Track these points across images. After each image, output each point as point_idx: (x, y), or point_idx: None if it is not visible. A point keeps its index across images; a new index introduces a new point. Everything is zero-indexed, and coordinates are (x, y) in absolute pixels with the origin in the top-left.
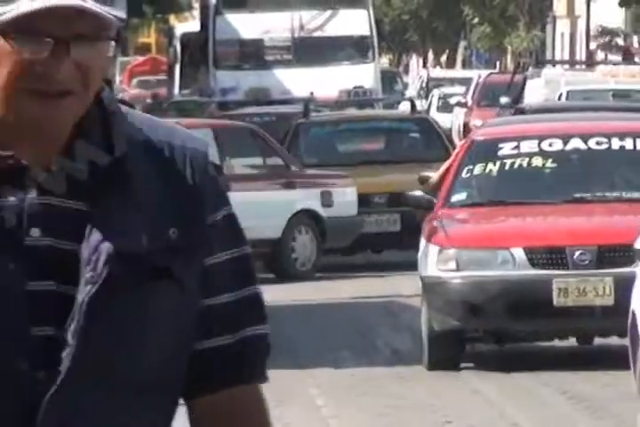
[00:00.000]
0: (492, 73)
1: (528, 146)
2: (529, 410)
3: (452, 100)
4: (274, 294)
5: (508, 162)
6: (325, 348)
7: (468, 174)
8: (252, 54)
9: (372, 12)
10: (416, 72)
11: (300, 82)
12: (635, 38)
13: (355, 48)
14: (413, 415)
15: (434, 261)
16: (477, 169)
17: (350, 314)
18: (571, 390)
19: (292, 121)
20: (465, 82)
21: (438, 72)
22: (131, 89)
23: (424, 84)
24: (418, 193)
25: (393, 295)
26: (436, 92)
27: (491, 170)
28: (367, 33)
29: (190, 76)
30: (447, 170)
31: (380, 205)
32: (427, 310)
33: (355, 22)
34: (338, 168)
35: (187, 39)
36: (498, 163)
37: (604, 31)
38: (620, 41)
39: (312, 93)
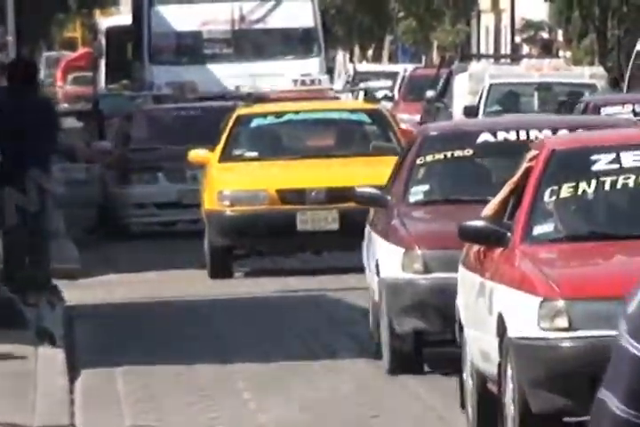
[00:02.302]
0: (417, 67)
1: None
2: (457, 406)
3: (379, 94)
4: (201, 290)
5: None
6: (252, 342)
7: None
8: (190, 48)
9: (316, 3)
10: (342, 66)
11: (240, 77)
12: (559, 32)
13: (299, 41)
14: (340, 409)
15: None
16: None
17: (277, 308)
18: None
19: (219, 115)
20: (391, 76)
21: (365, 66)
22: (66, 86)
23: (350, 79)
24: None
25: (320, 289)
26: (362, 87)
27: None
28: (312, 25)
29: (117, 71)
30: (508, 197)
31: (318, 202)
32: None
33: (299, 14)
34: (278, 161)
35: (113, 33)
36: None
37: (529, 25)
38: (545, 34)
39: (237, 88)
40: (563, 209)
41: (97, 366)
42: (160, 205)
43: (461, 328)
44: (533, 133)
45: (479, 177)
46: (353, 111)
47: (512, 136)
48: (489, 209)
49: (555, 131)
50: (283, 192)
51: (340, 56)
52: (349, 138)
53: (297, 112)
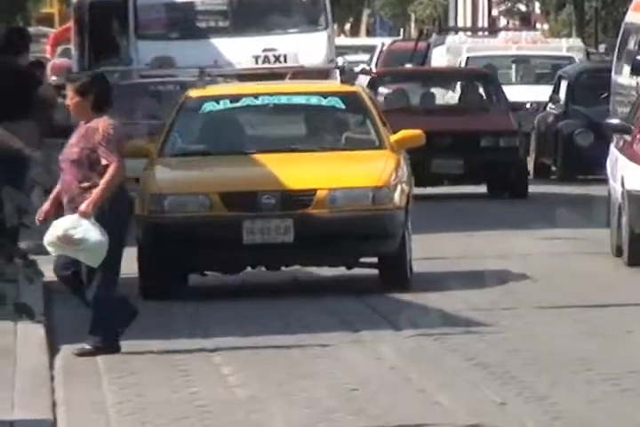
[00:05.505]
0: (395, 40)
1: None
2: (433, 376)
3: (357, 68)
4: None
5: None
6: (230, 317)
7: None
8: (181, 21)
9: None
10: None
11: (237, 53)
12: (536, 4)
13: (304, 13)
14: (318, 383)
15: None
16: None
17: (258, 285)
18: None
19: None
20: (369, 49)
21: (342, 40)
22: (55, 58)
23: None
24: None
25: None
26: (340, 60)
27: None
28: None
29: (102, 47)
30: None
31: (270, 208)
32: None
33: None
34: (229, 157)
35: (96, 7)
36: None
37: None
38: (522, 7)
39: (216, 62)
40: None
41: (76, 342)
42: None
43: None
44: None
45: None
46: (325, 95)
47: None
48: None
49: None
50: (227, 196)
51: None
52: (319, 128)
53: (256, 96)
